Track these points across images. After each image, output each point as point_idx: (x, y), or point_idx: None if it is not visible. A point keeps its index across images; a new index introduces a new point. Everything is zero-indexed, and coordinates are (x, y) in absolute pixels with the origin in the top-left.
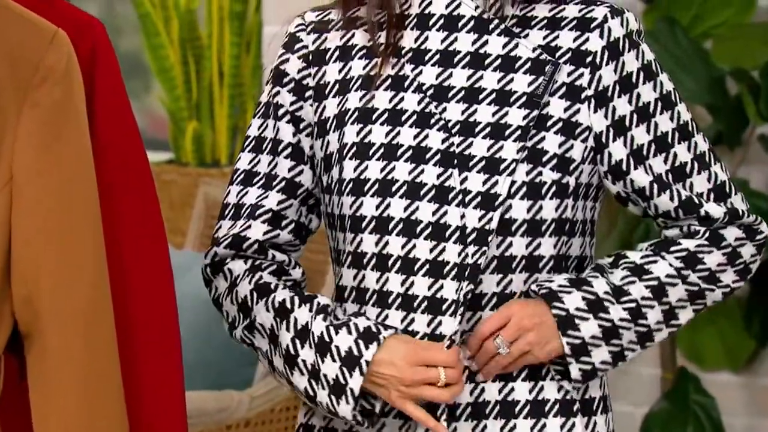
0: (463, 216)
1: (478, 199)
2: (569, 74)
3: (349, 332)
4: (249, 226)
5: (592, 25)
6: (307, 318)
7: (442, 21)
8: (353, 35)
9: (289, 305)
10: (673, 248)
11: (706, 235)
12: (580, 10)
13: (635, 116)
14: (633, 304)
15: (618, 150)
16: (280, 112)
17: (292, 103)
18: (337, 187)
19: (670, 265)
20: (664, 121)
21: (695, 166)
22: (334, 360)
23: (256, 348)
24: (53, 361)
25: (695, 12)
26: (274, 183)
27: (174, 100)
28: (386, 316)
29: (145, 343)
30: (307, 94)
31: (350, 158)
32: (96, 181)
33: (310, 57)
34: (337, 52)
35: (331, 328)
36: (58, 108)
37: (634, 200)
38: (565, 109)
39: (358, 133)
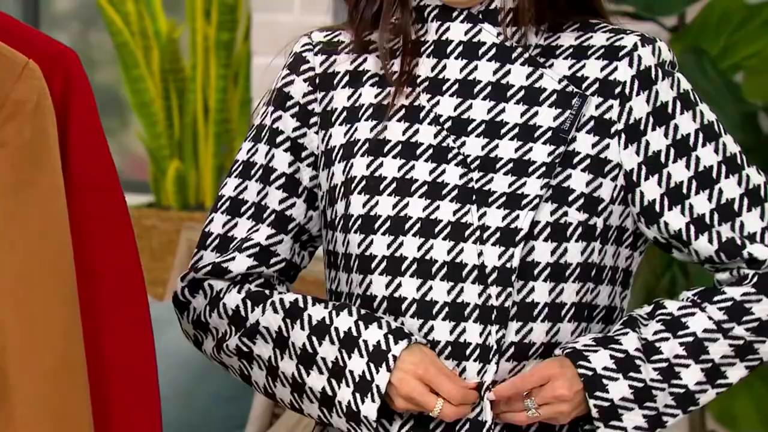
0: (480, 254)
1: (497, 235)
2: (597, 107)
3: (380, 327)
4: (233, 258)
5: (621, 54)
6: (323, 314)
7: (461, 48)
8: (365, 60)
9: (301, 304)
10: (716, 297)
11: (754, 280)
12: (608, 39)
13: (672, 151)
14: (664, 364)
15: (651, 189)
16: (279, 138)
17: (294, 129)
18: (342, 223)
19: (710, 318)
20: (707, 155)
21: (745, 202)
22: (362, 355)
23: (253, 358)
24: (21, 429)
25: (725, 43)
26: (265, 215)
27: (154, 137)
28: None
29: (121, 409)
30: (312, 120)
31: (359, 193)
32: (69, 228)
33: (317, 80)
34: (346, 77)
35: (360, 322)
36: (27, 148)
37: (676, 246)
38: (593, 145)
39: (368, 166)
